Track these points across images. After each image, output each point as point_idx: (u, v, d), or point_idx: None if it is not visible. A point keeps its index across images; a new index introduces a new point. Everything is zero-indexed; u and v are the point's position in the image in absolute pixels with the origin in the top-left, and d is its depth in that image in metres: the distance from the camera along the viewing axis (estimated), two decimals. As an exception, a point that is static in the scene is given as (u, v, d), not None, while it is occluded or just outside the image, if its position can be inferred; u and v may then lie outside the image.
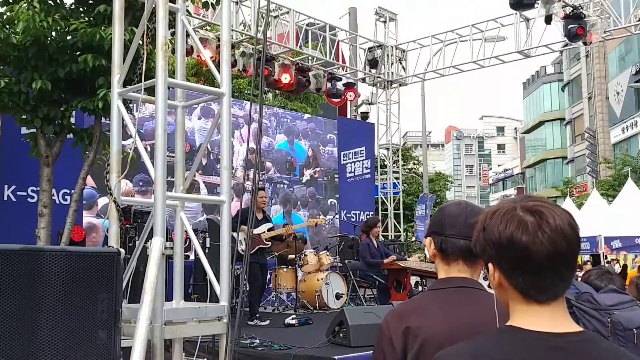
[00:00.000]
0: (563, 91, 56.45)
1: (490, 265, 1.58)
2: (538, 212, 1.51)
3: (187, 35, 6.03)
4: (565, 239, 1.48)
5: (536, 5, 14.54)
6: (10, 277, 3.60)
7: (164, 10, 4.73)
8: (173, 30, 5.84)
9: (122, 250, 4.19)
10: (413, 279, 11.68)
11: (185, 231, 5.53)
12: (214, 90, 5.49)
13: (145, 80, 4.98)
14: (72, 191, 8.47)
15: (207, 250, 9.65)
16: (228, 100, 5.12)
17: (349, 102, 22.31)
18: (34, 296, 3.69)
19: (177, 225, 5.63)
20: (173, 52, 5.44)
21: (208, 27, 16.77)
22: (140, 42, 5.15)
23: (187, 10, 6.30)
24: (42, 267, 3.73)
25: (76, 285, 3.86)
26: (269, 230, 10.57)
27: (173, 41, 5.59)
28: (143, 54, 4.94)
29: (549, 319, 1.51)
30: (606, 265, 15.37)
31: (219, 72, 5.30)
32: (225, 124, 5.11)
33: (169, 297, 5.23)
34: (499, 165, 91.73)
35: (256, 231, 9.87)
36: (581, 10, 14.41)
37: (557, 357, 1.45)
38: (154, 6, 4.97)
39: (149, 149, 9.03)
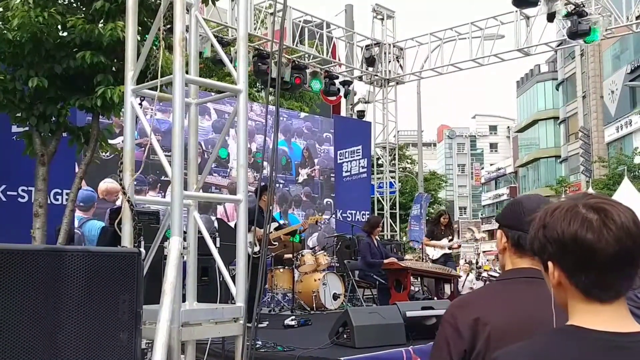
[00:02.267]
0: (557, 90, 56.58)
1: (550, 264, 1.55)
2: (602, 210, 1.48)
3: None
4: (631, 237, 1.46)
5: (539, 3, 14.53)
6: (33, 277, 3.54)
7: (181, 5, 4.63)
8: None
9: (142, 250, 4.11)
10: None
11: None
12: (231, 87, 5.37)
13: (154, 78, 4.89)
14: (67, 191, 8.34)
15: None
16: (245, 97, 5.03)
17: (344, 101, 22.20)
18: (55, 296, 3.62)
19: (190, 225, 5.53)
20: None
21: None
22: (157, 40, 5.06)
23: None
24: (63, 267, 3.66)
25: (97, 286, 3.79)
26: (277, 229, 10.45)
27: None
28: (158, 49, 4.85)
29: (612, 318, 1.49)
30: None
31: (235, 69, 5.20)
32: (242, 121, 5.01)
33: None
34: (491, 165, 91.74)
35: (261, 231, 9.70)
36: (583, 7, 14.45)
37: (620, 356, 1.43)
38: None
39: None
